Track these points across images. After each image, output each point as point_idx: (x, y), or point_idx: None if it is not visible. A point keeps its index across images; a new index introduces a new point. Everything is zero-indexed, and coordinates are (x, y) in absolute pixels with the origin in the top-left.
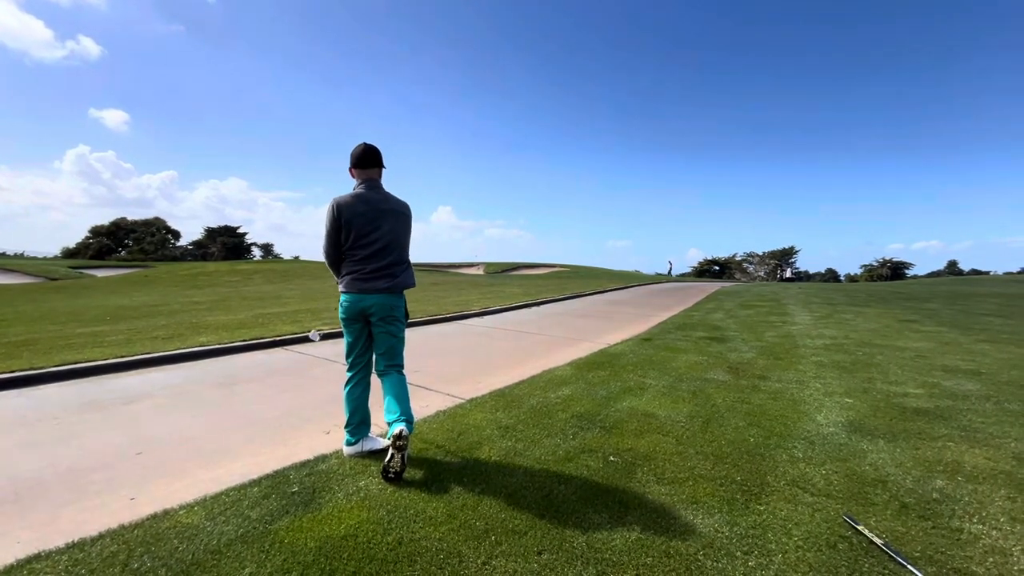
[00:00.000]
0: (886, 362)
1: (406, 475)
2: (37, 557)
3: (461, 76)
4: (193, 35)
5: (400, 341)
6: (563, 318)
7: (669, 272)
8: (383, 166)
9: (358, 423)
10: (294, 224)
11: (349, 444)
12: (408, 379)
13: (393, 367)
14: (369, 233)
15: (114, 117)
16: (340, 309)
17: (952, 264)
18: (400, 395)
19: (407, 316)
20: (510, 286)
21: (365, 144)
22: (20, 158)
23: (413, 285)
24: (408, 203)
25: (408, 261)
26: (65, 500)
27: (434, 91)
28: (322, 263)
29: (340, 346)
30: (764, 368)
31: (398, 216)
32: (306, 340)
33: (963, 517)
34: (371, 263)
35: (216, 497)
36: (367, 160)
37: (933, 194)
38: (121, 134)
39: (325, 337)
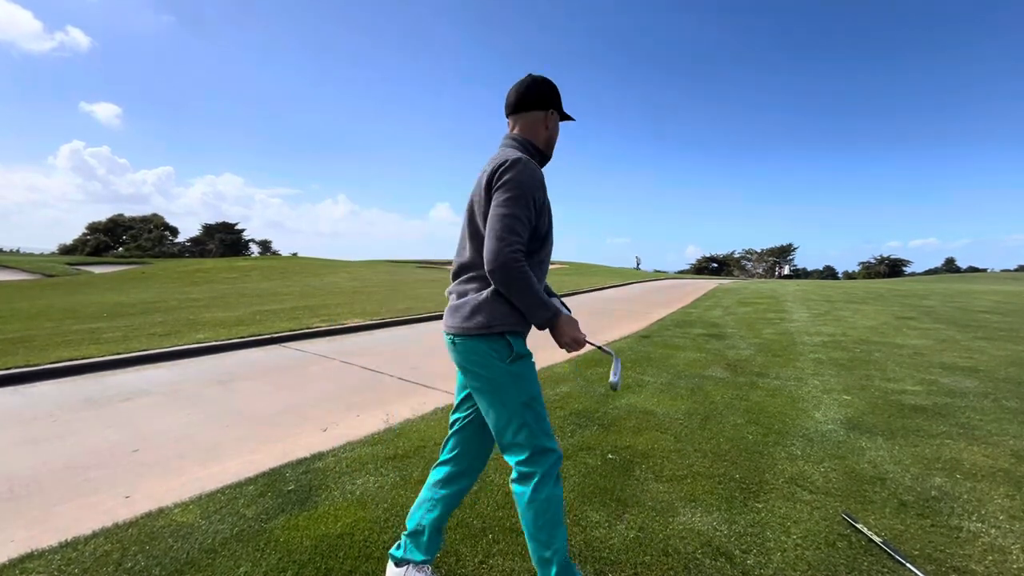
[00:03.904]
0: (884, 359)
1: (403, 473)
2: (30, 556)
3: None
4: (185, 26)
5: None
6: None
7: (637, 267)
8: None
9: (412, 530)
10: (291, 221)
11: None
12: (406, 376)
13: (513, 466)
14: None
15: (106, 111)
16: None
17: (950, 261)
18: (529, 523)
19: (512, 379)
20: None
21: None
22: (12, 153)
23: (488, 327)
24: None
25: (471, 265)
26: (60, 498)
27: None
28: (321, 260)
29: (337, 342)
30: (762, 365)
31: (475, 185)
32: (305, 338)
33: (962, 515)
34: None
35: (211, 495)
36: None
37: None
38: (113, 128)
39: (321, 335)
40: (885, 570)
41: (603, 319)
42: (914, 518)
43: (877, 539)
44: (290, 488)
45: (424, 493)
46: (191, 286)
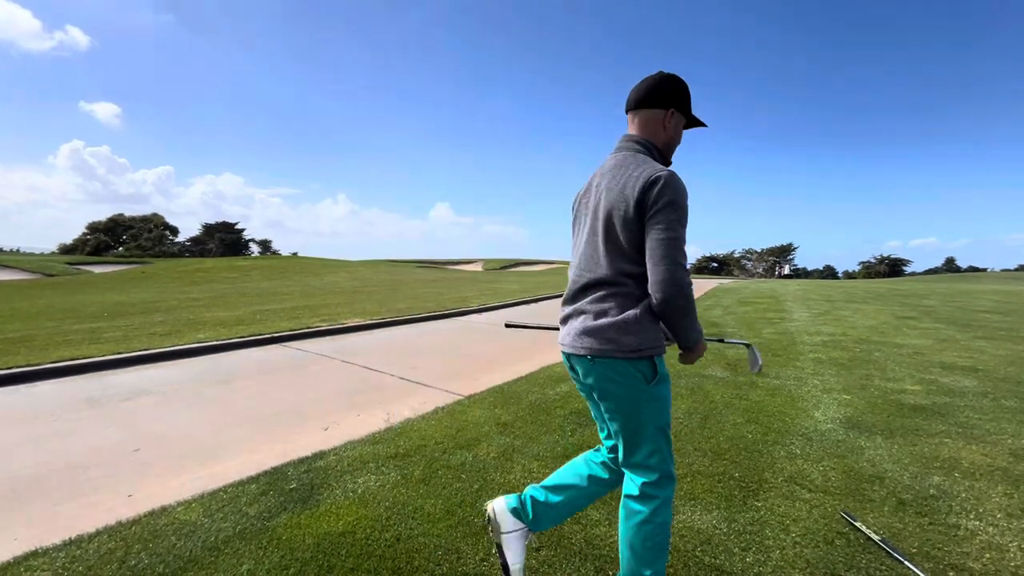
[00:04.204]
0: (884, 359)
1: (404, 472)
2: (34, 554)
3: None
4: (185, 25)
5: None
6: None
7: None
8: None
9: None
10: (291, 220)
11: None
12: (407, 376)
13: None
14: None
15: (105, 110)
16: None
17: (950, 261)
18: (638, 543)
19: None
20: (508, 283)
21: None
22: (12, 153)
23: (638, 350)
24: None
25: (612, 282)
26: (62, 497)
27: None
28: (321, 260)
29: (337, 342)
30: (762, 365)
31: (607, 193)
32: (305, 337)
33: (960, 513)
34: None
35: (214, 494)
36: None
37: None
38: (113, 128)
39: (321, 335)
40: (884, 568)
41: None
42: (912, 516)
43: (876, 537)
44: (292, 487)
45: (570, 478)
46: (191, 286)
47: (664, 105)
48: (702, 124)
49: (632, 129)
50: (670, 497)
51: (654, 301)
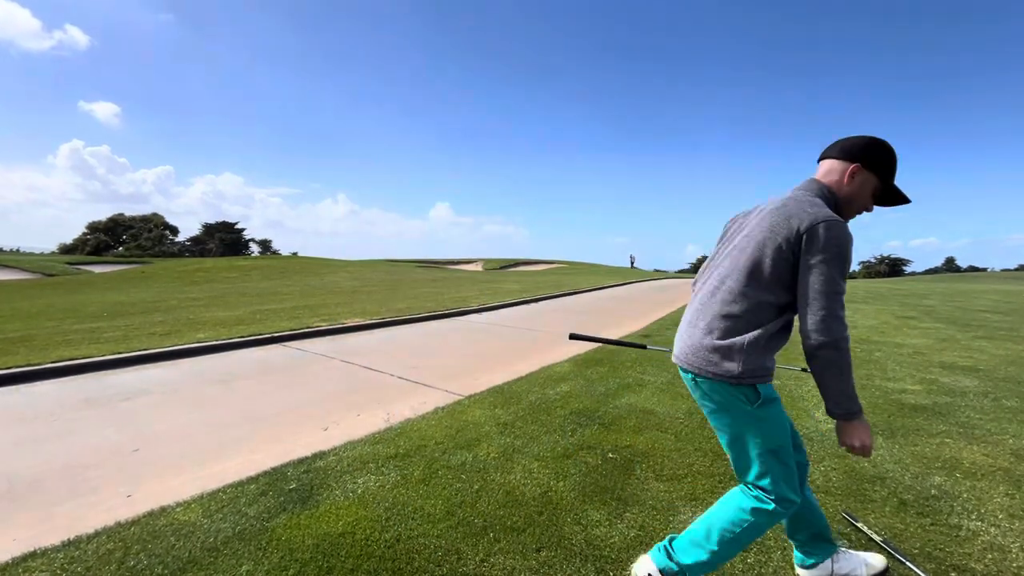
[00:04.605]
0: (884, 359)
1: (404, 472)
2: (33, 555)
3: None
4: (184, 25)
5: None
6: (561, 314)
7: (632, 266)
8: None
9: (806, 538)
10: (291, 220)
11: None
12: (407, 376)
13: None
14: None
15: (104, 110)
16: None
17: (950, 261)
18: (724, 523)
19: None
20: (508, 283)
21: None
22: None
23: (738, 377)
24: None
25: (735, 303)
26: (61, 497)
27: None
28: (321, 260)
29: (337, 342)
30: None
31: (770, 220)
32: (305, 337)
33: (961, 514)
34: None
35: (213, 494)
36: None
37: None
38: (112, 127)
39: (321, 335)
40: (885, 568)
41: (604, 318)
42: (914, 517)
43: (877, 538)
44: (291, 487)
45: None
46: (191, 285)
47: (850, 159)
48: (904, 199)
49: (816, 174)
50: (780, 514)
51: (804, 345)
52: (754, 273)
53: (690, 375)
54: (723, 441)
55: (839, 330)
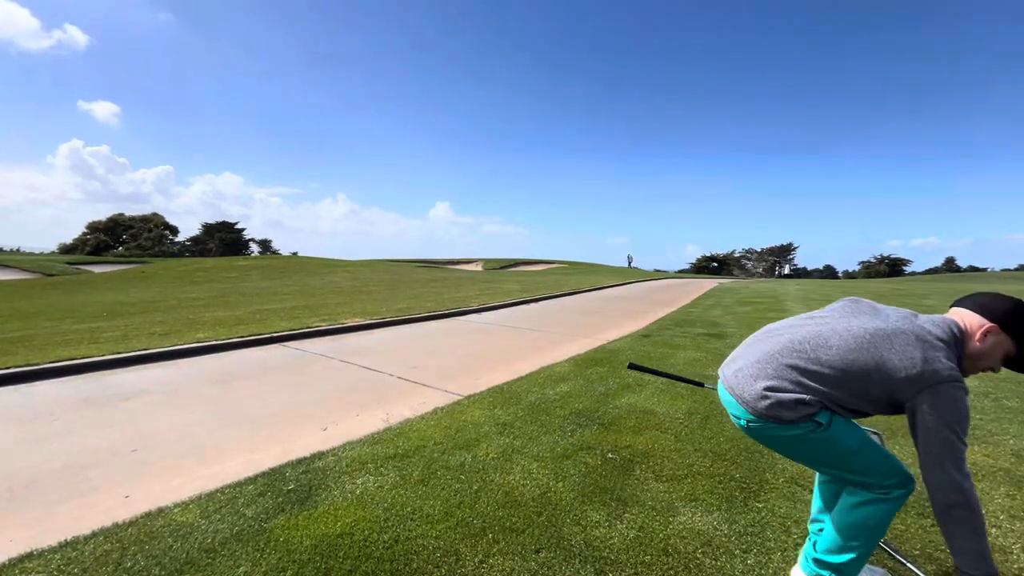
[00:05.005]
0: None
1: (403, 472)
2: (30, 556)
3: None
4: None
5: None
6: (561, 314)
7: (629, 265)
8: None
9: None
10: (291, 220)
11: None
12: (406, 376)
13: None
14: None
15: (104, 109)
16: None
17: (950, 261)
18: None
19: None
20: (508, 283)
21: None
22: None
23: (792, 420)
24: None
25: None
26: (59, 497)
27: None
28: (321, 259)
29: (337, 342)
30: None
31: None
32: (305, 337)
33: None
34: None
35: (211, 495)
36: None
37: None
38: (112, 127)
39: (321, 335)
40: (886, 570)
41: (603, 318)
42: (915, 518)
43: None
44: (290, 488)
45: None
46: (191, 285)
47: (990, 318)
48: None
49: (952, 315)
50: (901, 496)
51: (932, 501)
52: (846, 368)
53: (741, 421)
54: (816, 469)
55: (969, 489)
